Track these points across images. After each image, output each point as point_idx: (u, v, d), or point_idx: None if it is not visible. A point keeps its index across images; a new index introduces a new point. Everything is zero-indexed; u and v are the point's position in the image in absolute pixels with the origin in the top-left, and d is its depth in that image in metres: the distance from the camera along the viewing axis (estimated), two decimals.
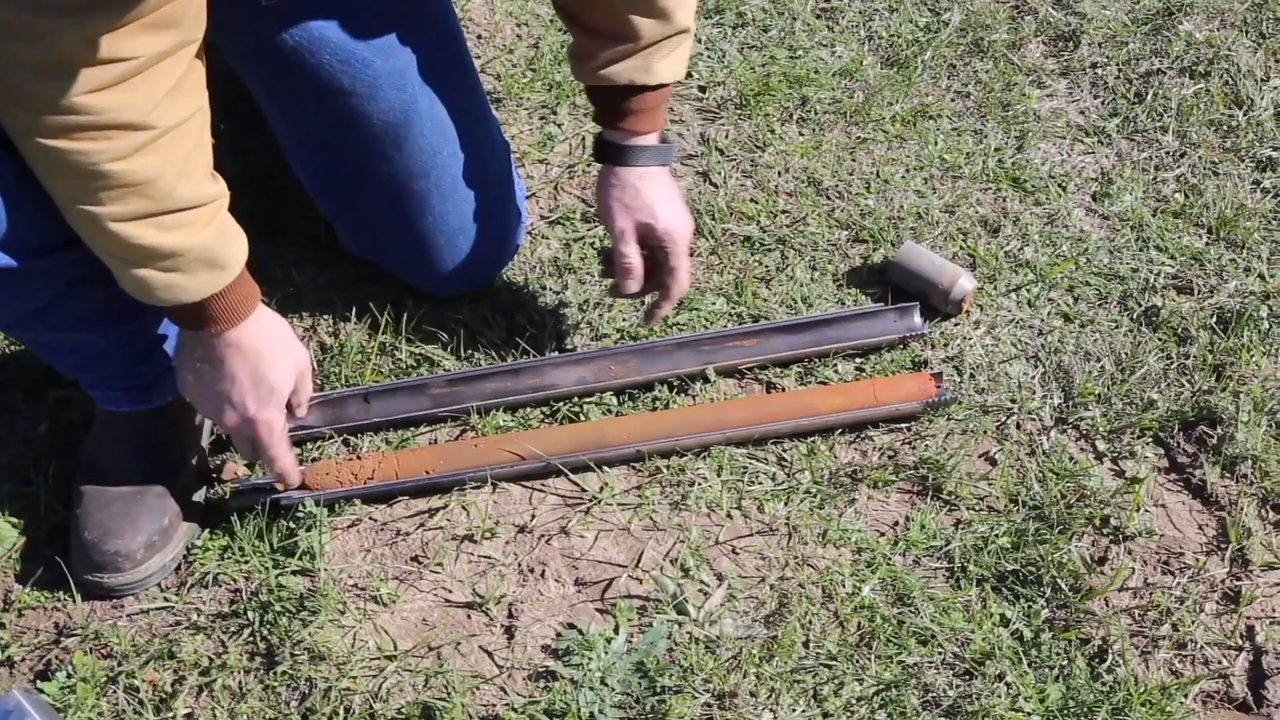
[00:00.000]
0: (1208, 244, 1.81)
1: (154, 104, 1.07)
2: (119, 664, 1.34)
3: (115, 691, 1.32)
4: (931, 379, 1.55)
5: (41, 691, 1.30)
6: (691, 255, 1.73)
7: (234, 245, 1.23)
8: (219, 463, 1.53)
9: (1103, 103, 2.04)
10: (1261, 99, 2.02)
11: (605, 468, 1.50)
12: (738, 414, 1.52)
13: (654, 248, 1.51)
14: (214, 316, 1.23)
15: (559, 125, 1.92)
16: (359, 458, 1.49)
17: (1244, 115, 2.00)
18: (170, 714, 1.30)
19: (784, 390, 1.59)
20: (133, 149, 1.07)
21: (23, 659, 1.36)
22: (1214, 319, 1.69)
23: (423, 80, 1.46)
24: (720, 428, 1.51)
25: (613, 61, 1.42)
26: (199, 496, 1.48)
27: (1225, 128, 1.99)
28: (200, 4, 1.08)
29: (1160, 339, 1.67)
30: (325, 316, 1.68)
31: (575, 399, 1.57)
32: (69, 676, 1.32)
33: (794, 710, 1.30)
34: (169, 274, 1.17)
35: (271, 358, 1.29)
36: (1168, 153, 1.95)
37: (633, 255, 1.50)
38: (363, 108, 1.45)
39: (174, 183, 1.12)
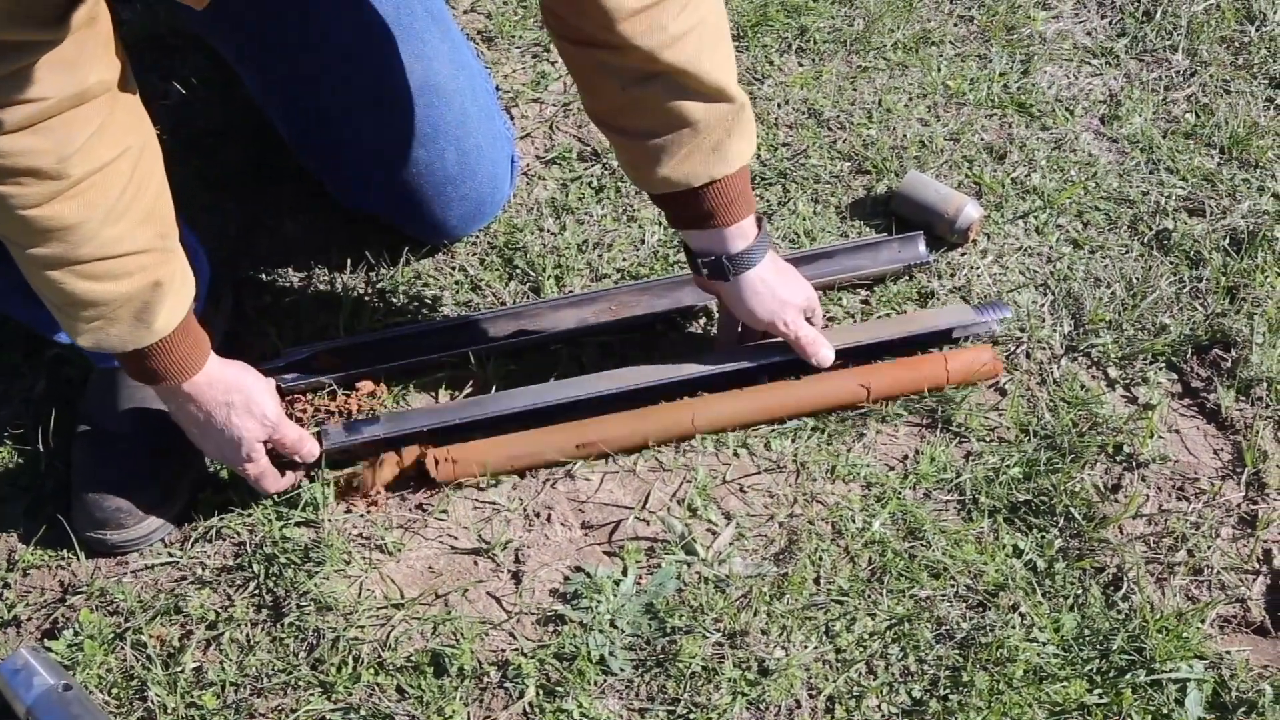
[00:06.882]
0: (1220, 164, 1.77)
1: (71, 150, 1.03)
2: (125, 620, 1.33)
3: (123, 647, 1.31)
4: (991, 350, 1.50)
5: (49, 650, 1.30)
6: None
7: (170, 301, 1.17)
8: None
9: (1110, 22, 1.98)
10: (1274, 13, 1.96)
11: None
12: (803, 393, 1.46)
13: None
14: (161, 369, 1.22)
15: (552, 63, 1.88)
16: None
17: (1256, 31, 1.95)
18: (179, 668, 1.29)
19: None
20: (45, 197, 1.04)
21: (29, 618, 1.36)
22: (1227, 240, 1.66)
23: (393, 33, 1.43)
24: (787, 411, 1.46)
25: (680, 162, 1.26)
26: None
27: (1237, 45, 1.94)
28: (104, 45, 1.04)
29: (1172, 262, 1.64)
30: (320, 266, 1.65)
31: (576, 341, 1.55)
32: (76, 634, 1.32)
33: (806, 647, 1.29)
34: (92, 322, 1.14)
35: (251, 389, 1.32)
36: (1178, 72, 1.90)
37: (805, 329, 1.43)
38: (342, 68, 1.43)
39: (97, 228, 1.08)
